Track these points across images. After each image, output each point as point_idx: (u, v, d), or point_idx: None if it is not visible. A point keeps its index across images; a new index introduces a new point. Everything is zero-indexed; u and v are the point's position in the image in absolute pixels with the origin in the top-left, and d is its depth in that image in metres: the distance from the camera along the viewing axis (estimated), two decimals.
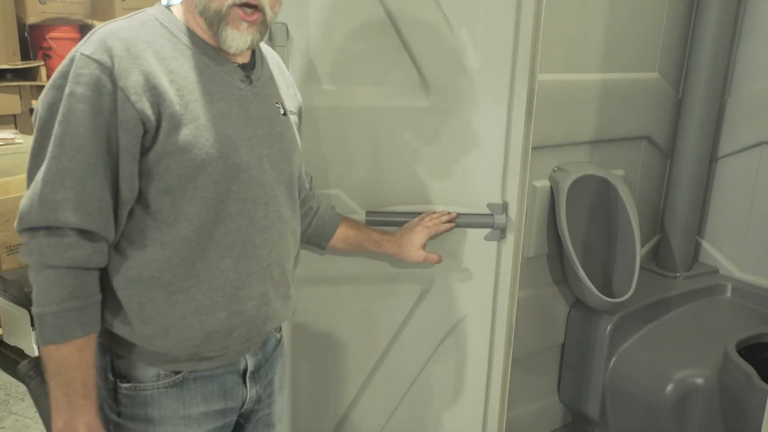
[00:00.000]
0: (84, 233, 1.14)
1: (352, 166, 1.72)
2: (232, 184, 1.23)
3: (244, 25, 1.21)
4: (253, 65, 1.33)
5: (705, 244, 3.00)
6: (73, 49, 1.16)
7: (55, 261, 1.13)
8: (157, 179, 1.18)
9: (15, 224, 1.15)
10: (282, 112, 1.37)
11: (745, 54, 2.75)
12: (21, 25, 3.63)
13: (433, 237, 1.72)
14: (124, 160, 1.14)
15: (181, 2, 1.26)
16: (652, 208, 2.99)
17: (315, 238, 1.65)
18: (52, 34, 4.23)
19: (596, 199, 2.60)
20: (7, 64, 3.89)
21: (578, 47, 2.48)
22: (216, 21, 1.20)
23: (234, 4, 1.19)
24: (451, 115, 1.71)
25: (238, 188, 1.24)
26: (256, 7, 1.21)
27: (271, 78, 1.38)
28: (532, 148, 1.78)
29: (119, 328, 1.23)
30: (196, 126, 1.18)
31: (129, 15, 1.23)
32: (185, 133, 1.17)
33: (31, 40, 4.24)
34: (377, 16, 1.63)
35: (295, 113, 1.44)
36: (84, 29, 4.27)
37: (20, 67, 3.99)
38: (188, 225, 1.20)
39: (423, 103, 1.70)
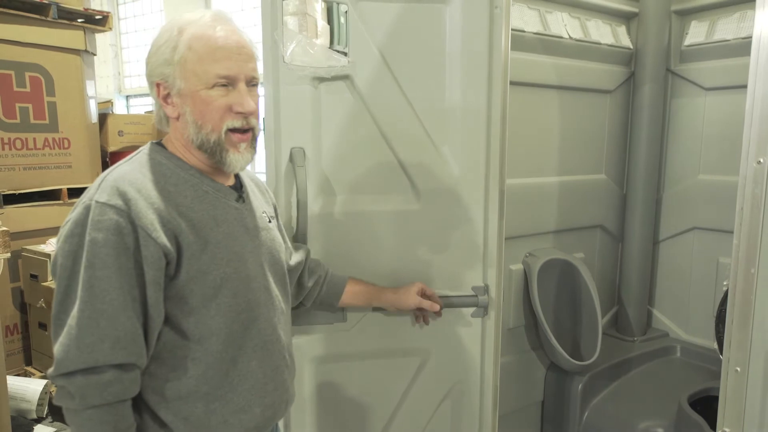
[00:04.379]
0: (121, 366, 1.02)
1: (359, 260, 1.68)
2: (247, 294, 1.15)
3: (243, 146, 1.14)
4: (240, 185, 1.26)
5: (656, 312, 2.92)
6: (85, 197, 1.06)
7: (97, 400, 1.00)
8: (182, 303, 1.09)
9: (50, 371, 1.01)
10: (268, 219, 1.29)
11: (672, 157, 2.75)
12: (104, 152, 3.79)
13: (424, 305, 1.61)
14: (152, 291, 1.04)
15: (168, 138, 1.18)
16: (609, 284, 2.92)
17: (327, 300, 1.56)
18: None
19: (562, 278, 2.55)
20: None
21: (539, 157, 2.50)
22: (218, 150, 1.12)
23: (229, 129, 1.12)
24: (438, 215, 1.69)
25: (252, 296, 1.17)
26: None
27: (252, 192, 1.30)
28: (507, 238, 1.75)
29: None
30: (210, 250, 1.10)
31: (130, 157, 1.14)
32: (204, 259, 1.09)
33: (111, 164, 4.31)
34: (375, 138, 1.64)
35: (274, 217, 1.36)
36: None
37: None
38: (217, 339, 1.12)
39: (415, 207, 1.68)
